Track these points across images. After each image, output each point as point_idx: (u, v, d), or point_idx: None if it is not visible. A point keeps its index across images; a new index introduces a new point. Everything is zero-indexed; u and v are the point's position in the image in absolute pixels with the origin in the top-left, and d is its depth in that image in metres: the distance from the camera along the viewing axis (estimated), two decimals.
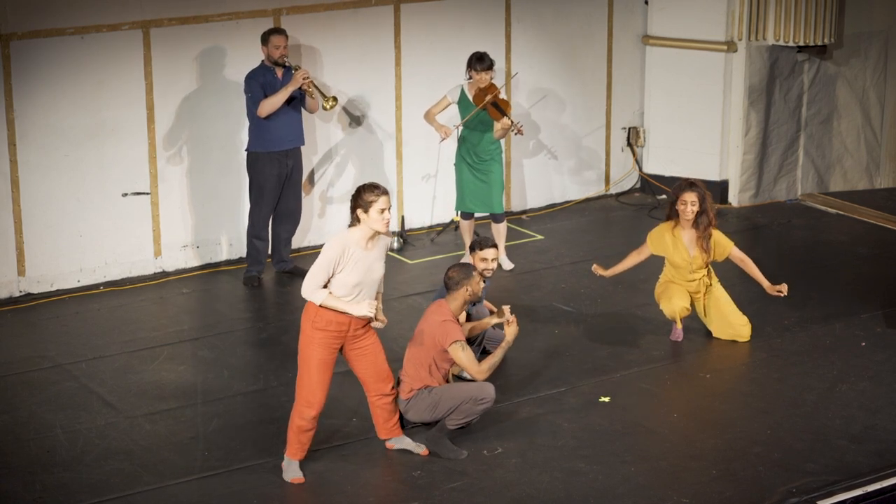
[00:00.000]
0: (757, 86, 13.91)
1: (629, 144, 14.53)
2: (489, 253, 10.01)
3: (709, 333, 10.90)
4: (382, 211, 8.34)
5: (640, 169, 14.55)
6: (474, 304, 10.06)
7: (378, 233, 8.42)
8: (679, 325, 10.74)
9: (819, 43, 13.82)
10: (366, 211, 8.34)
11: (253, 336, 10.92)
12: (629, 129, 14.47)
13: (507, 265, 12.33)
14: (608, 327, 11.09)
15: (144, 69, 11.80)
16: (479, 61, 11.85)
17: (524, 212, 13.85)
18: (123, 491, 8.51)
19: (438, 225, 13.43)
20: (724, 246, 10.68)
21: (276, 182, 11.78)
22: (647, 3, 14.21)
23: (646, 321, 11.22)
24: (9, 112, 11.31)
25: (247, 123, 11.90)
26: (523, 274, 12.26)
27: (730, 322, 10.78)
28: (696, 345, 10.75)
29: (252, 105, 11.62)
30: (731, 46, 13.83)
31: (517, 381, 10.07)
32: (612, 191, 14.51)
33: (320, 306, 8.40)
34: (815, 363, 10.39)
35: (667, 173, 14.37)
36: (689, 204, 10.47)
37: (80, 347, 10.66)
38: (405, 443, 8.98)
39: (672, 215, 10.65)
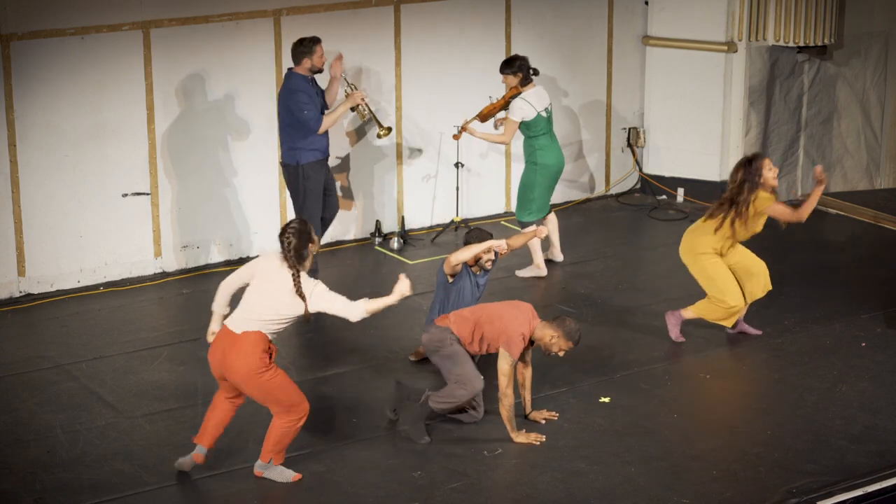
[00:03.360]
0: (757, 86, 13.91)
1: (629, 145, 14.53)
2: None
3: (708, 333, 10.90)
4: None
5: (641, 169, 14.55)
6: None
7: None
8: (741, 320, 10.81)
9: (819, 43, 13.82)
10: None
11: None
12: (629, 129, 14.48)
13: (523, 273, 12.30)
14: (608, 327, 11.09)
15: (144, 70, 11.80)
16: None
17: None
18: (124, 491, 8.51)
19: (438, 225, 13.44)
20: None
21: (322, 189, 11.75)
22: (647, 3, 14.21)
23: (646, 321, 11.22)
24: (9, 113, 11.31)
25: (248, 126, 11.92)
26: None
27: (754, 273, 10.69)
28: (696, 345, 10.75)
29: (312, 120, 11.38)
30: (731, 47, 13.83)
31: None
32: (613, 191, 14.52)
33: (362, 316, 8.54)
34: (816, 363, 10.39)
35: (667, 174, 14.38)
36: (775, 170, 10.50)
37: (81, 348, 10.66)
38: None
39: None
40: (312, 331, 11.08)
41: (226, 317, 8.56)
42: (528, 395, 9.47)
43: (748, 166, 10.39)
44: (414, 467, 8.83)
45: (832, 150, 14.55)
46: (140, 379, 10.13)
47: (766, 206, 10.37)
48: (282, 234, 8.42)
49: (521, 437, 9.16)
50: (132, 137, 11.86)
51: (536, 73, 12.11)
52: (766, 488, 8.55)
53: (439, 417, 9.39)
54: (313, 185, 11.60)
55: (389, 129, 12.05)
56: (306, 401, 8.58)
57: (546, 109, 12.04)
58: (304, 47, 11.45)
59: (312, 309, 8.41)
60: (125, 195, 11.93)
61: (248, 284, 8.51)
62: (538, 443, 9.14)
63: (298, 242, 8.37)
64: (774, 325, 11.06)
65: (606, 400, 9.78)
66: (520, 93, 11.98)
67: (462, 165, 13.30)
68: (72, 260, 11.78)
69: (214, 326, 8.64)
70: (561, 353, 9.18)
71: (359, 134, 12.93)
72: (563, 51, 13.84)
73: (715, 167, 14.12)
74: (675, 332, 10.82)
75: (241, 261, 12.41)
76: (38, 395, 9.86)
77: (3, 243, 11.50)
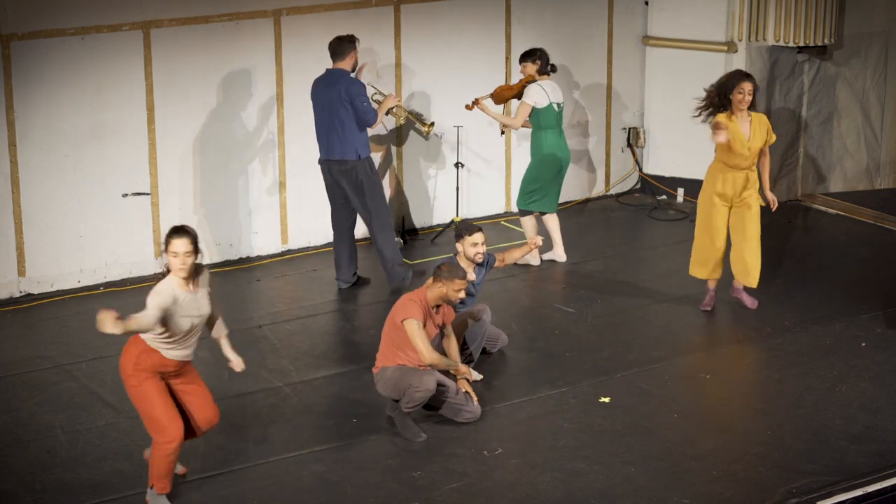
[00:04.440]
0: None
1: (629, 145, 14.53)
2: (479, 237, 10.09)
3: (707, 333, 10.91)
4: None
5: (641, 169, 14.55)
6: (463, 302, 10.13)
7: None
8: (711, 287, 11.27)
9: (819, 43, 13.82)
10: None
11: (253, 336, 10.92)
12: (629, 129, 14.48)
13: (534, 261, 12.48)
14: (608, 327, 11.09)
15: (145, 70, 11.80)
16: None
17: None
18: (123, 492, 8.51)
19: (438, 225, 13.44)
20: (770, 132, 10.96)
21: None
22: (647, 3, 14.21)
23: (646, 321, 11.22)
24: (9, 113, 11.32)
25: (248, 126, 11.88)
26: (524, 274, 12.25)
27: (743, 257, 10.91)
28: (695, 345, 10.75)
29: (371, 113, 11.45)
30: (731, 47, 13.83)
31: (517, 382, 10.07)
32: (613, 191, 14.52)
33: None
34: (816, 363, 10.39)
35: (667, 174, 14.38)
36: (747, 93, 10.78)
37: (81, 348, 10.66)
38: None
39: (724, 105, 10.85)
40: (313, 332, 11.09)
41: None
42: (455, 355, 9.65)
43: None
44: (414, 467, 8.83)
45: (832, 151, 14.55)
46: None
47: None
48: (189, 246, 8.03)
49: (463, 368, 9.40)
50: (132, 137, 11.86)
51: (554, 69, 12.35)
52: (766, 488, 8.55)
53: (436, 417, 9.40)
54: (377, 178, 11.71)
55: (433, 124, 12.32)
56: (175, 437, 8.16)
57: (558, 104, 12.19)
58: (350, 42, 11.50)
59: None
60: (125, 195, 11.93)
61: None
62: (472, 378, 9.52)
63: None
64: (774, 325, 11.06)
65: (606, 400, 9.78)
66: (535, 80, 12.14)
67: (462, 165, 13.30)
68: (72, 260, 11.78)
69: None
70: (462, 295, 9.34)
71: None
72: (563, 51, 13.84)
73: None
74: (708, 300, 11.26)
75: (241, 260, 12.43)
76: (38, 395, 9.86)
77: (3, 243, 11.50)
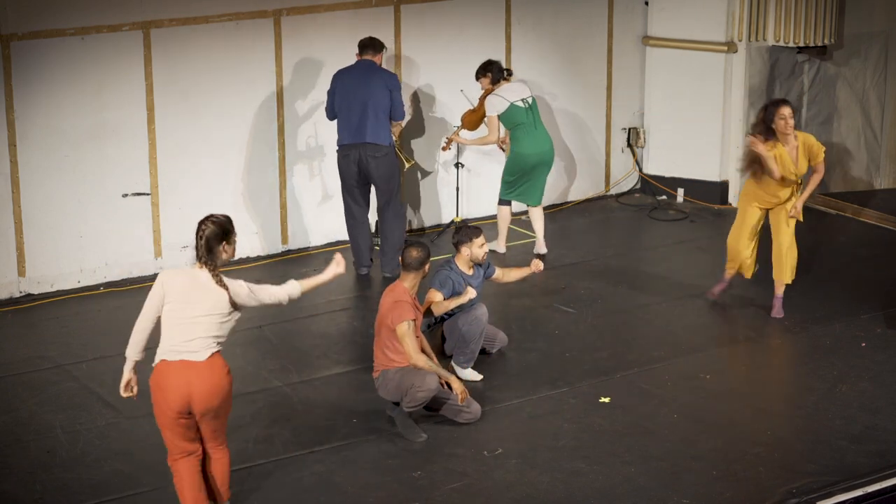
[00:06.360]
0: (757, 87, 13.91)
1: (629, 145, 14.53)
2: (483, 238, 10.24)
3: (708, 332, 10.92)
4: None
5: (641, 170, 14.55)
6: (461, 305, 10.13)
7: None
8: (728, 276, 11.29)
9: (819, 44, 13.82)
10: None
11: (253, 336, 10.92)
12: (629, 129, 14.48)
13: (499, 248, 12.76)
14: (608, 327, 11.09)
15: (145, 70, 11.80)
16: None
17: (524, 212, 13.84)
18: (123, 492, 8.51)
19: (438, 225, 13.44)
20: (817, 147, 10.88)
21: None
22: (647, 3, 14.21)
23: (646, 321, 11.23)
24: (9, 113, 11.32)
25: (248, 126, 11.87)
26: None
27: (780, 256, 11.05)
28: (695, 345, 10.75)
29: (402, 107, 11.90)
30: (731, 47, 13.83)
31: (517, 382, 10.07)
32: (613, 191, 14.52)
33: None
34: (816, 364, 10.40)
35: (667, 174, 14.38)
36: (788, 117, 10.67)
37: (81, 348, 10.66)
38: None
39: (768, 136, 10.71)
40: (313, 332, 11.09)
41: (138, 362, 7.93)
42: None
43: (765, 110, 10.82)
44: (414, 467, 8.83)
45: (832, 151, 14.54)
46: (140, 379, 10.06)
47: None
48: (200, 224, 7.75)
49: (456, 383, 9.30)
50: (132, 137, 11.86)
51: (510, 73, 12.60)
52: (766, 488, 8.56)
53: (437, 417, 9.40)
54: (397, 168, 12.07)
55: (410, 160, 12.52)
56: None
57: (524, 100, 12.35)
58: (382, 44, 11.94)
59: (243, 302, 8.02)
60: (125, 195, 11.93)
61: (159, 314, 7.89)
62: (463, 393, 9.31)
63: (214, 231, 7.77)
64: (774, 325, 11.07)
65: (606, 400, 9.78)
66: (492, 91, 12.38)
67: (462, 166, 13.30)
68: (72, 260, 11.78)
69: (129, 374, 8.02)
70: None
71: None
72: (563, 51, 13.85)
73: (715, 167, 14.12)
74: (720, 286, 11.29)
75: (241, 261, 12.43)
76: (38, 395, 9.86)
77: (3, 243, 11.50)
